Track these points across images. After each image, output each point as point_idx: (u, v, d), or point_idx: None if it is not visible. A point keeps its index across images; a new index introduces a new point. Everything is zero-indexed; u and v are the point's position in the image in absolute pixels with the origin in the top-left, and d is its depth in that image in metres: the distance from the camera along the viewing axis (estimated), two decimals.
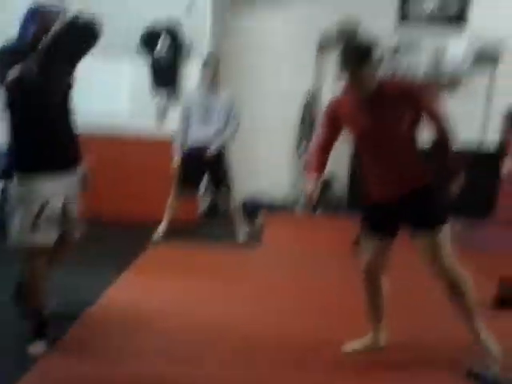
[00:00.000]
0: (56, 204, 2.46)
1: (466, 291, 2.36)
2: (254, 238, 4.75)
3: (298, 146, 6.21)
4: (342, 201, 6.12)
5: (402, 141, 2.40)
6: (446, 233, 2.34)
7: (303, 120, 6.16)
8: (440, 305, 2.61)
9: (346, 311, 3.12)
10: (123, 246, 4.33)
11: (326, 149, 2.63)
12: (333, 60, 6.08)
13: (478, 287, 2.42)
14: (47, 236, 2.46)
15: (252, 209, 5.68)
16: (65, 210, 2.54)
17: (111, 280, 3.49)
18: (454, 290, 2.36)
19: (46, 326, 2.60)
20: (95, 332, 2.81)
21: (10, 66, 2.21)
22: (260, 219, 5.44)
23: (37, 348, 2.52)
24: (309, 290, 3.53)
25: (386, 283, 2.61)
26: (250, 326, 2.92)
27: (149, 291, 3.40)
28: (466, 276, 2.37)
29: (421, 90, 2.46)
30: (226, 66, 5.10)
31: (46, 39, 2.15)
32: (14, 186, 2.45)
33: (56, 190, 2.46)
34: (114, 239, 4.52)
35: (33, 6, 2.42)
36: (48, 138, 2.42)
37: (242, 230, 4.73)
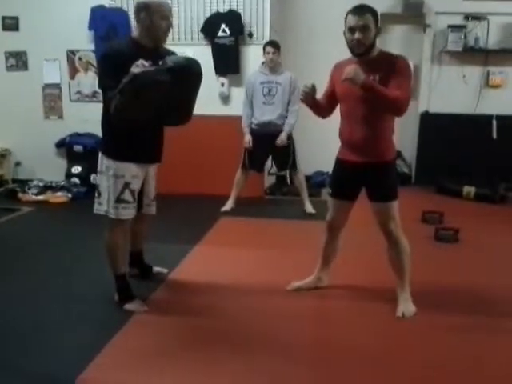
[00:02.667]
0: (136, 186, 2.77)
1: (401, 254, 2.76)
2: (319, 210, 4.87)
3: None
4: (408, 176, 6.18)
5: (377, 112, 2.58)
6: (396, 205, 2.73)
7: None
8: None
9: None
10: (194, 219, 4.62)
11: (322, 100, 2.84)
12: (395, 31, 6.16)
13: None
14: (127, 211, 2.76)
15: (317, 183, 5.84)
16: (142, 192, 2.89)
17: (186, 249, 3.77)
18: (394, 250, 2.77)
19: (129, 288, 2.89)
20: (178, 293, 3.10)
21: (114, 72, 2.45)
22: (325, 193, 5.56)
23: (132, 306, 2.82)
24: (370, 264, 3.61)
25: (341, 238, 3.03)
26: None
27: (220, 260, 3.64)
28: (406, 243, 2.77)
29: (405, 68, 2.57)
30: (286, 46, 5.23)
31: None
32: (105, 165, 2.74)
33: (138, 175, 2.77)
34: (185, 212, 4.84)
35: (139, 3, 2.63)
36: (140, 138, 2.70)
37: (309, 203, 4.89)
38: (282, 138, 4.69)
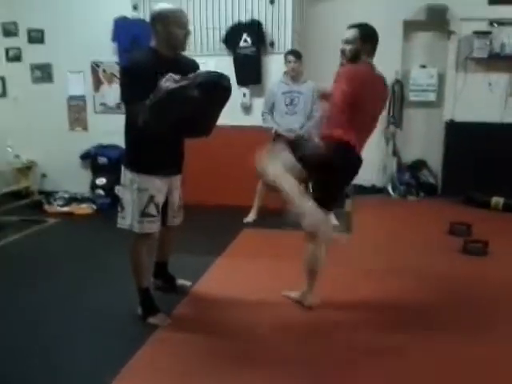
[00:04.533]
0: (160, 199, 2.77)
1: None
2: (342, 221, 4.82)
3: (386, 129, 6.19)
4: (434, 186, 6.10)
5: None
6: None
7: (392, 101, 6.11)
8: None
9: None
10: (217, 230, 4.60)
11: None
12: (419, 38, 6.10)
13: None
14: (152, 225, 2.75)
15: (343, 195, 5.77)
16: (167, 204, 2.88)
17: (209, 261, 3.76)
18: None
19: (152, 302, 2.87)
20: (201, 307, 3.08)
21: (136, 85, 2.46)
22: (349, 203, 5.52)
23: (156, 319, 2.80)
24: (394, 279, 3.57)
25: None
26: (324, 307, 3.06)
27: (243, 272, 3.61)
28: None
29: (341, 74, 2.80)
30: (308, 55, 5.20)
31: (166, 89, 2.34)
32: (128, 179, 2.73)
33: (161, 188, 2.76)
34: (208, 223, 4.81)
35: (153, 13, 2.64)
36: (163, 150, 2.70)
37: (332, 214, 4.81)
38: (296, 133, 4.57)
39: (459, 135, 5.91)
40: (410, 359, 2.46)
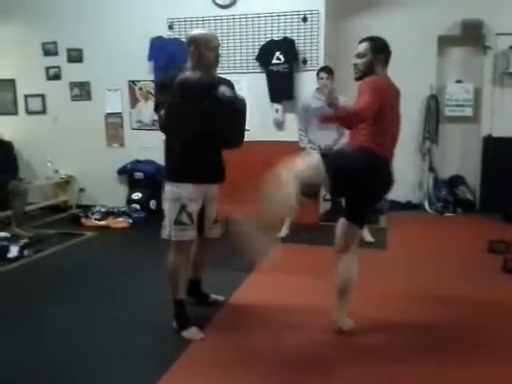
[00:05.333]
0: (193, 208, 2.83)
1: None
2: (377, 238, 4.76)
3: (422, 144, 6.12)
4: (472, 203, 5.98)
5: None
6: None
7: (427, 116, 6.06)
8: None
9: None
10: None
11: None
12: (454, 54, 6.04)
13: None
14: (186, 233, 2.82)
15: (375, 209, 5.71)
16: (203, 214, 2.94)
17: (242, 276, 3.75)
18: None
19: (187, 315, 2.90)
20: (234, 322, 3.07)
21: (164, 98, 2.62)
22: (384, 220, 5.45)
23: (189, 333, 2.82)
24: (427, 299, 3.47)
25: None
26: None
27: (275, 287, 3.60)
28: None
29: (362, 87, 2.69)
30: (340, 71, 5.20)
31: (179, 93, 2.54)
32: (166, 190, 2.87)
33: (195, 197, 2.83)
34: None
35: (189, 37, 2.84)
36: (198, 158, 2.81)
37: (367, 231, 4.77)
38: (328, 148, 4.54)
39: (497, 150, 5.79)
40: None
